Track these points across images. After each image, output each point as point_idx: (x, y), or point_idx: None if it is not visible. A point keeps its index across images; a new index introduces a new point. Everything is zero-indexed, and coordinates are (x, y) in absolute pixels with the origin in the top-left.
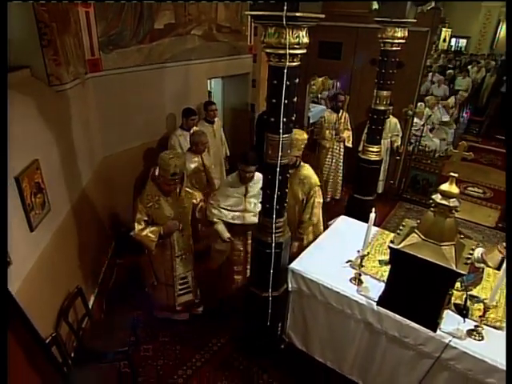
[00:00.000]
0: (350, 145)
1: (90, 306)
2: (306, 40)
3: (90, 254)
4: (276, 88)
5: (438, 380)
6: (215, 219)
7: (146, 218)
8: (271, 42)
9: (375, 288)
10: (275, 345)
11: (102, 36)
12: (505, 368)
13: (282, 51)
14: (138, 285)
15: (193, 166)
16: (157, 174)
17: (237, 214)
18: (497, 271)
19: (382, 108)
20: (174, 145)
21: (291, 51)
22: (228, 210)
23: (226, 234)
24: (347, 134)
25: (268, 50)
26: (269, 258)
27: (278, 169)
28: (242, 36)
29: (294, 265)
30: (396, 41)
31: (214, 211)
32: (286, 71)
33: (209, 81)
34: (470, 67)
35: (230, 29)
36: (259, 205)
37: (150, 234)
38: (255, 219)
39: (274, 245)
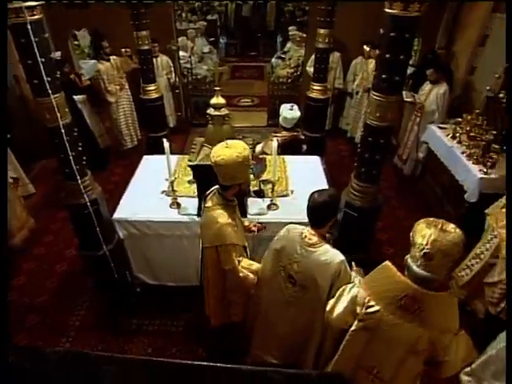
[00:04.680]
0: None
1: None
2: None
3: None
4: (25, 47)
5: (261, 249)
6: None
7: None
8: None
9: (191, 204)
10: (132, 291)
11: None
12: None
13: (16, 5)
14: None
15: None
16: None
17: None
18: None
19: (147, 47)
20: None
21: (27, 3)
22: None
23: None
24: None
25: None
26: (90, 218)
27: (62, 130)
28: None
29: (117, 214)
30: None
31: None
32: (29, 27)
33: None
34: None
35: None
36: None
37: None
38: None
39: (89, 204)
